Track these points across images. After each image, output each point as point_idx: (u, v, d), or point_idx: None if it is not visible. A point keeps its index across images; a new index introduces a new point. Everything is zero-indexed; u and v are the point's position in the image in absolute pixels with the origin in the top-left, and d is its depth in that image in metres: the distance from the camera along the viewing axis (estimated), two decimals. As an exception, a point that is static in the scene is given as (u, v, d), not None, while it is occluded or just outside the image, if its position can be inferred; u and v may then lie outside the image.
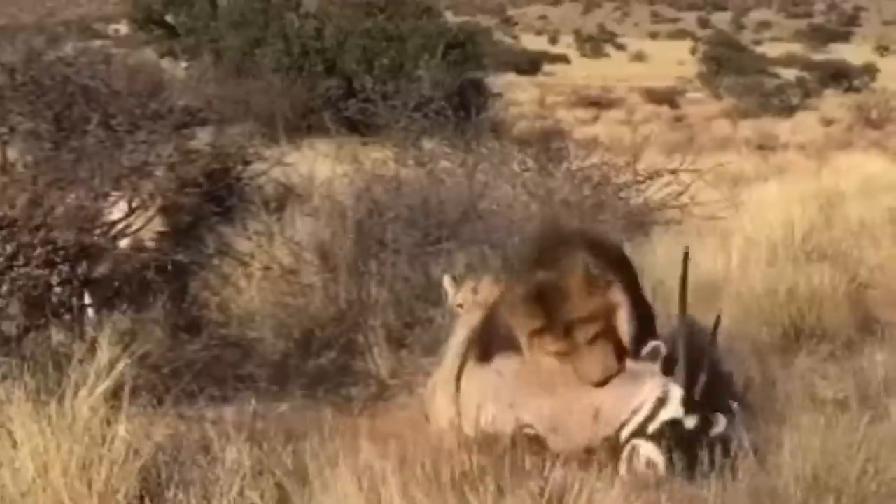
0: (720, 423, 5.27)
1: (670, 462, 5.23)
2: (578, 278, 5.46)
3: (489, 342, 5.66)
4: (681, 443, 5.24)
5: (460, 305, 6.21)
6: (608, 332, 5.45)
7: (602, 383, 5.41)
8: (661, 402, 5.30)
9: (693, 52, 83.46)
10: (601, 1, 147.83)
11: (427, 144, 10.75)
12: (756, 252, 9.16)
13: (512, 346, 5.57)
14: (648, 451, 5.29)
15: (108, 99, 7.41)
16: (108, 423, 4.75)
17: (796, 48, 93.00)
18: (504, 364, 5.58)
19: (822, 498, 4.76)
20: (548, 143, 11.66)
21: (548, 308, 5.46)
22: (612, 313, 5.46)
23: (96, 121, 6.88)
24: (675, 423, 5.28)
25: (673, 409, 5.29)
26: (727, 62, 62.01)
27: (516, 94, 37.90)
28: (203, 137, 8.40)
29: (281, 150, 10.19)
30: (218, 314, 7.53)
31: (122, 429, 4.71)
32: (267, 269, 7.69)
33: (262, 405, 5.94)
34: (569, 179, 9.79)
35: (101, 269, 6.42)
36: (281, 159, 8.93)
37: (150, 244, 6.98)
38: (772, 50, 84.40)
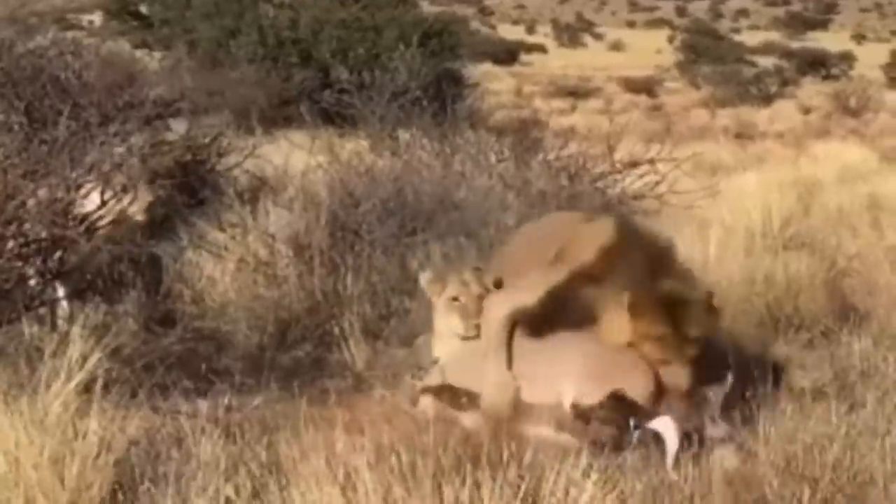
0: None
1: None
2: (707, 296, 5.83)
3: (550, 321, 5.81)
4: None
5: (455, 298, 6.23)
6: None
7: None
8: None
9: (671, 40, 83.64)
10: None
11: (403, 135, 10.71)
12: (734, 241, 9.15)
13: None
14: None
15: (79, 90, 7.36)
16: (81, 417, 4.71)
17: (774, 36, 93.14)
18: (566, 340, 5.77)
19: (798, 486, 4.75)
20: (524, 134, 11.63)
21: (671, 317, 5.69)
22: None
23: (67, 112, 6.82)
24: None
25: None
26: (705, 51, 62.19)
27: (493, 84, 37.85)
28: (178, 129, 8.36)
29: (255, 142, 10.14)
30: (192, 306, 7.50)
31: (94, 423, 4.67)
32: (241, 261, 7.65)
33: (237, 398, 5.92)
34: (545, 170, 9.76)
35: (74, 262, 6.38)
36: (253, 151, 8.89)
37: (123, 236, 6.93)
38: (750, 38, 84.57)
